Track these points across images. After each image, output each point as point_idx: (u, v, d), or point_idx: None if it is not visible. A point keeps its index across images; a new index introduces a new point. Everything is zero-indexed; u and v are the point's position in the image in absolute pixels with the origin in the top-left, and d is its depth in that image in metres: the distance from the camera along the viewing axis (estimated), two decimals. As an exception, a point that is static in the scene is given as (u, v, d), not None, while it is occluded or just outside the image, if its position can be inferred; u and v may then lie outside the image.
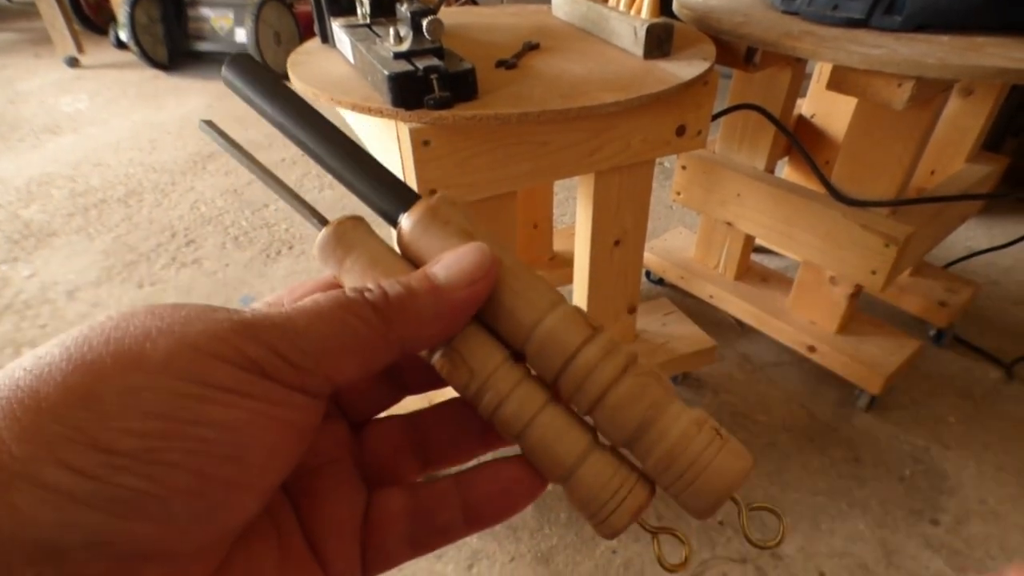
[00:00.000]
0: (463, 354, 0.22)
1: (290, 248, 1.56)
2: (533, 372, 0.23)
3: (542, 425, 0.22)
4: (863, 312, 1.14)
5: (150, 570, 0.16)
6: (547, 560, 0.89)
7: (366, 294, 0.20)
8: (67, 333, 0.17)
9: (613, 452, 0.23)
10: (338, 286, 0.23)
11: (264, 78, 0.25)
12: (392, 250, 0.23)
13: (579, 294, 0.98)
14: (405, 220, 0.23)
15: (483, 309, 0.22)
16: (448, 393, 0.24)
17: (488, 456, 0.25)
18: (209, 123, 0.25)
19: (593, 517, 0.23)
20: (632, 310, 1.02)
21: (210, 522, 0.17)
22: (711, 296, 1.26)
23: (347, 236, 0.23)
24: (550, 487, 0.25)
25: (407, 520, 0.23)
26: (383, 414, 0.26)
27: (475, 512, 0.23)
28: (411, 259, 0.23)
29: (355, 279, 0.22)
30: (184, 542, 0.16)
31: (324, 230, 0.23)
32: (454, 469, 0.25)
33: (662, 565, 0.23)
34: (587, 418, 0.23)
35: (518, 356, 0.23)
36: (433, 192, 0.21)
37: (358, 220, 0.23)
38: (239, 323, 0.18)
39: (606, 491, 0.22)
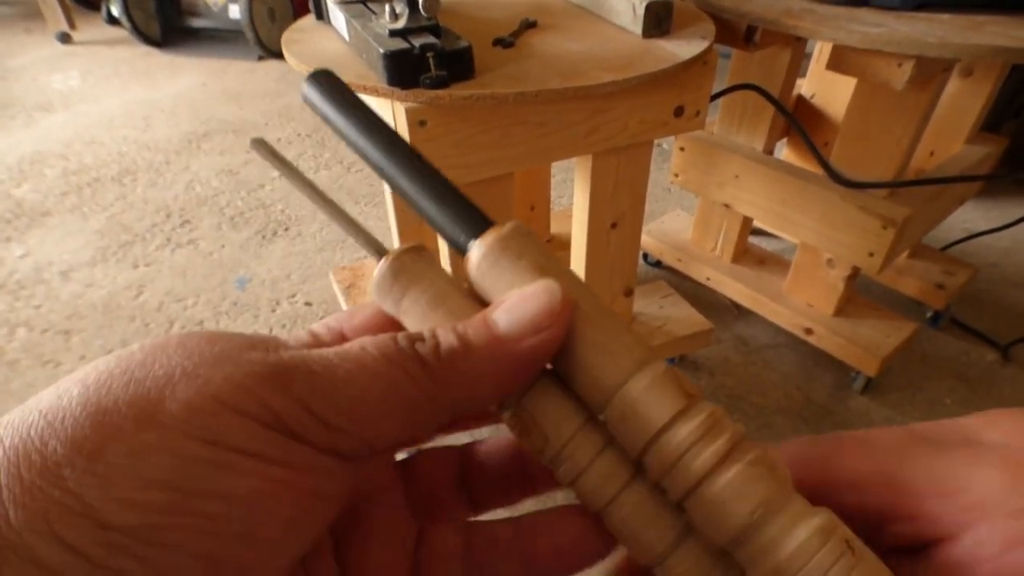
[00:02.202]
0: (535, 416, 0.19)
1: (286, 229, 1.55)
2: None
3: (627, 505, 0.19)
4: (860, 294, 1.14)
5: None
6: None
7: (417, 345, 0.17)
8: (94, 364, 0.15)
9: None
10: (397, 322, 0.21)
11: (345, 95, 0.23)
12: (458, 286, 0.20)
13: (576, 276, 0.98)
14: (474, 250, 0.20)
15: (556, 360, 0.19)
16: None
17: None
18: (260, 141, 0.22)
19: None
20: (629, 292, 1.02)
21: None
22: (708, 278, 1.26)
23: (407, 270, 0.20)
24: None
25: (462, 565, 0.21)
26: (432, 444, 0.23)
27: (537, 567, 0.21)
28: (479, 296, 0.20)
29: (415, 322, 0.20)
30: None
31: (381, 264, 0.20)
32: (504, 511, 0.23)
33: None
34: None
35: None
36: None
37: (419, 251, 0.20)
38: (272, 368, 0.16)
39: None
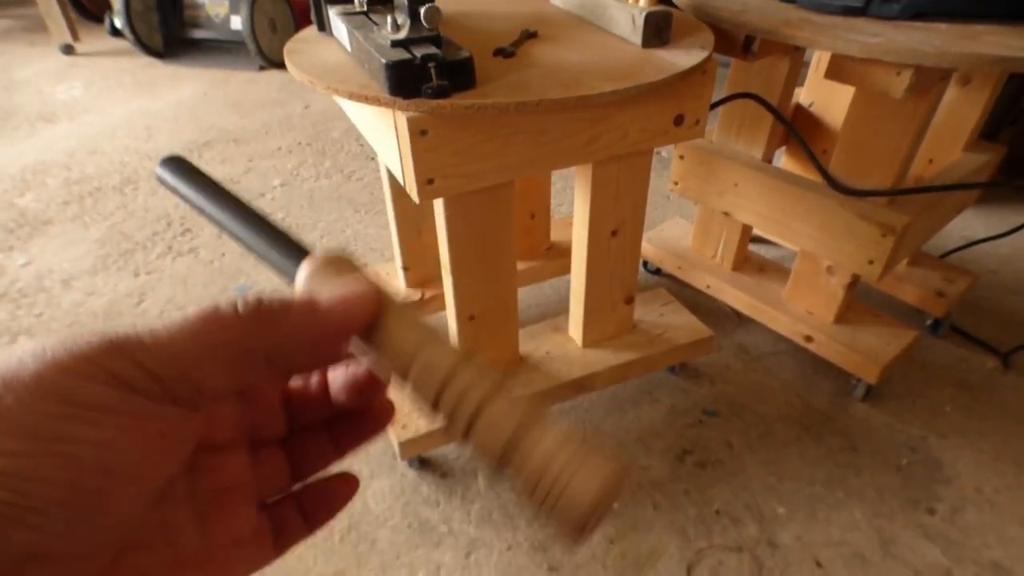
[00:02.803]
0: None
1: (287, 237, 1.55)
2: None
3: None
4: (860, 302, 1.14)
5: (33, 571, 0.17)
6: (544, 549, 0.89)
7: (239, 303, 0.21)
8: None
9: None
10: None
11: (191, 174, 0.28)
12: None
13: (576, 284, 0.98)
14: (300, 273, 0.25)
15: (366, 345, 0.24)
16: None
17: None
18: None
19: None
20: (629, 300, 1.02)
21: (88, 527, 0.17)
22: (708, 286, 1.26)
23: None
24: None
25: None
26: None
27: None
28: None
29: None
30: (65, 545, 0.17)
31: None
32: None
33: None
34: None
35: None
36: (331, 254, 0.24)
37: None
38: (107, 342, 0.19)
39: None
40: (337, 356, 0.24)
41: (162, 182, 0.28)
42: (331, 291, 0.23)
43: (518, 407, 0.23)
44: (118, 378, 0.18)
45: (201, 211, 0.27)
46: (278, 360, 0.21)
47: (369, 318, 0.23)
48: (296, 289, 0.25)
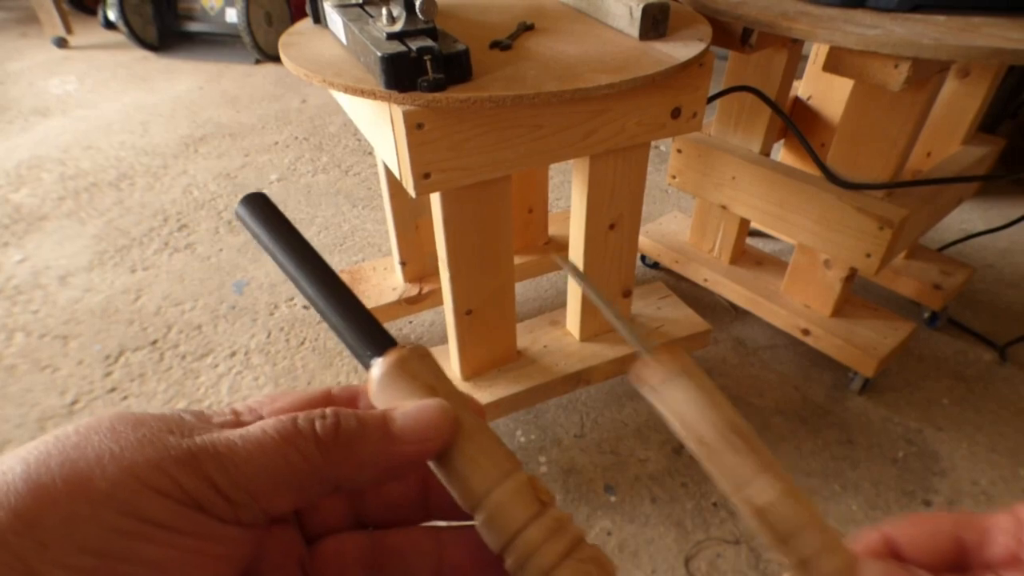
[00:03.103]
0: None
1: (284, 232, 1.55)
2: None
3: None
4: (857, 295, 1.14)
5: None
6: (542, 542, 0.89)
7: (317, 423, 0.20)
8: (35, 444, 0.18)
9: None
10: (322, 402, 0.24)
11: (273, 219, 0.26)
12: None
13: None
14: (375, 368, 0.24)
15: (439, 468, 0.23)
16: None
17: None
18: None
19: None
20: (627, 294, 1.02)
21: None
22: (706, 280, 1.26)
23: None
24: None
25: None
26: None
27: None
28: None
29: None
30: None
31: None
32: None
33: None
34: None
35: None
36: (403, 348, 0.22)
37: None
38: (184, 453, 0.18)
39: None
40: (405, 477, 0.24)
41: (241, 221, 0.26)
42: (406, 409, 0.22)
43: (593, 573, 0.22)
44: (190, 495, 0.18)
45: (278, 262, 0.26)
46: (348, 485, 0.21)
47: (443, 446, 0.22)
48: (370, 384, 0.24)
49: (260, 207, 0.26)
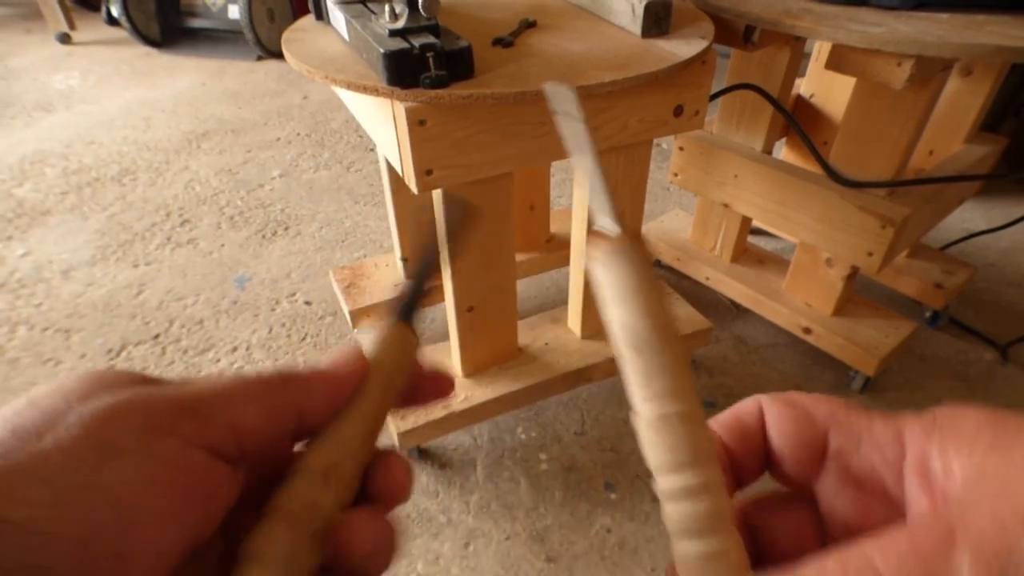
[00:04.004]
0: None
1: (286, 229, 1.55)
2: None
3: None
4: (859, 294, 1.14)
5: None
6: (542, 539, 0.90)
7: (263, 372, 0.22)
8: (14, 403, 0.18)
9: None
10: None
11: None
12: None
13: (575, 276, 0.98)
14: (371, 334, 0.26)
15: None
16: None
17: None
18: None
19: None
20: (628, 291, 1.02)
21: None
22: (707, 278, 1.26)
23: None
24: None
25: None
26: None
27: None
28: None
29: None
30: None
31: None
32: None
33: None
34: None
35: None
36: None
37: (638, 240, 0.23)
38: (151, 379, 0.19)
39: None
40: (338, 406, 0.24)
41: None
42: (328, 358, 0.24)
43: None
44: (156, 421, 0.18)
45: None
46: (302, 414, 0.22)
47: (360, 376, 0.24)
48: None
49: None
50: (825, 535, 0.22)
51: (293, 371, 0.22)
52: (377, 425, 0.24)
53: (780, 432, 0.22)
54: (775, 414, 0.22)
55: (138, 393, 0.18)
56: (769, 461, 0.23)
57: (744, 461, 0.22)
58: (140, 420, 0.18)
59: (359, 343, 0.23)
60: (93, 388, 0.18)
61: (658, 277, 0.20)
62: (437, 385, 0.28)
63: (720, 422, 0.23)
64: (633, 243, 0.22)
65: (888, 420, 0.20)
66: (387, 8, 0.65)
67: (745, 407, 0.23)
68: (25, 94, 2.31)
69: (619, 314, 0.21)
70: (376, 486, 0.23)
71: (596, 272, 0.22)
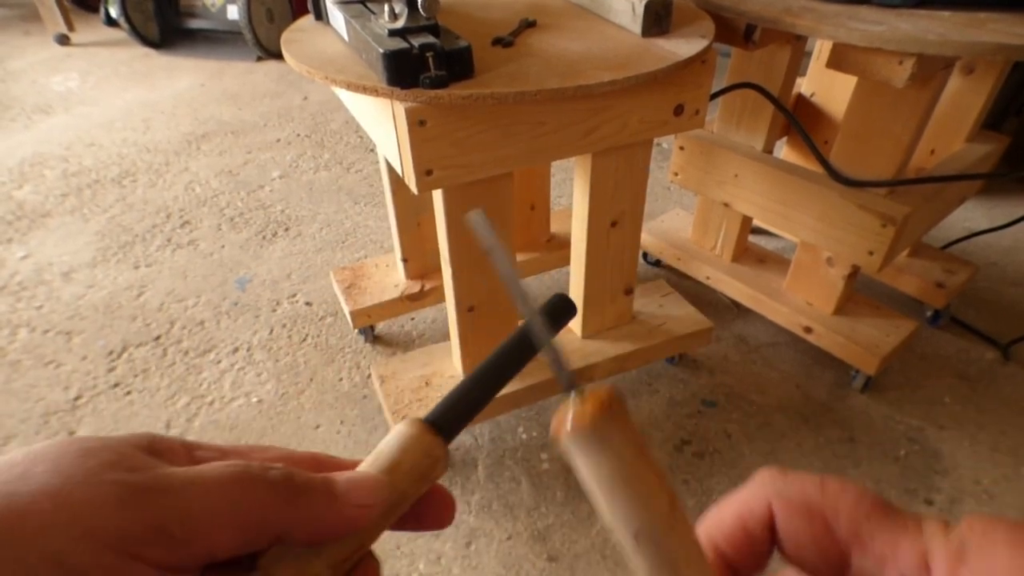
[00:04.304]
0: None
1: (286, 230, 1.55)
2: None
3: None
4: (860, 293, 1.14)
5: None
6: (544, 538, 0.90)
7: (271, 473, 0.20)
8: None
9: None
10: (318, 465, 0.24)
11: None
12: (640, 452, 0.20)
13: (576, 275, 0.98)
14: (398, 429, 0.24)
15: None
16: None
17: None
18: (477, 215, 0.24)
19: None
20: (629, 291, 1.02)
21: None
22: (708, 277, 1.26)
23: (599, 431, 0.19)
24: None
25: None
26: None
27: None
28: None
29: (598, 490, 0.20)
30: None
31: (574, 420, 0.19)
32: None
33: None
34: None
35: None
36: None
37: (612, 407, 0.19)
38: (130, 489, 0.18)
39: None
40: (336, 540, 0.23)
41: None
42: (347, 475, 0.22)
43: None
44: (128, 539, 0.17)
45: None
46: (290, 535, 0.21)
47: (380, 512, 0.22)
48: (384, 444, 0.23)
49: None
50: None
51: (302, 481, 0.21)
52: (368, 543, 0.22)
53: (795, 543, 0.20)
54: (790, 526, 0.20)
55: (113, 492, 0.17)
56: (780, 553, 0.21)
57: (746, 568, 0.21)
58: (109, 535, 0.17)
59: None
60: (69, 471, 0.18)
61: (638, 435, 0.19)
62: (439, 515, 0.26)
63: (723, 530, 0.20)
64: (600, 419, 0.19)
65: (915, 540, 0.18)
66: (387, 8, 0.65)
67: (751, 507, 0.20)
68: (24, 96, 2.31)
69: (605, 507, 0.20)
70: (422, 512, 0.24)
71: (570, 458, 0.20)
